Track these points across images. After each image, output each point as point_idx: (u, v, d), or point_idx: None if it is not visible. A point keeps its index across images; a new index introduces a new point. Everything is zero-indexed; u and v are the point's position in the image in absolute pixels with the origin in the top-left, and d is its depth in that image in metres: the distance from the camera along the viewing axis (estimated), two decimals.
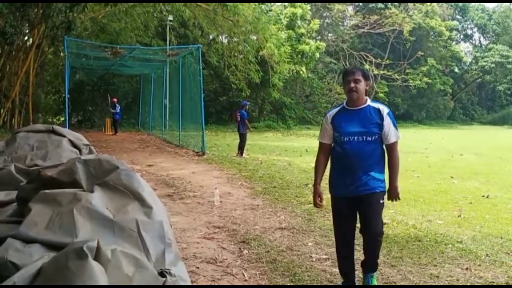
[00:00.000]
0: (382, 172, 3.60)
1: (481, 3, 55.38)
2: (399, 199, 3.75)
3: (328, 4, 40.31)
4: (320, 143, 3.80)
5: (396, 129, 3.60)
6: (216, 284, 3.91)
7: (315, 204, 3.81)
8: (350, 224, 3.75)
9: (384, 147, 3.65)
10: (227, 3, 17.94)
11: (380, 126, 3.52)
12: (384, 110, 3.57)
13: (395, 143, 3.60)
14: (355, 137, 3.51)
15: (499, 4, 55.15)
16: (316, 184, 3.78)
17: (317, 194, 3.75)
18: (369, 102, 3.62)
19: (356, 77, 3.53)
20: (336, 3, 40.78)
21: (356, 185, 3.54)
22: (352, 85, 3.52)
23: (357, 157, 3.52)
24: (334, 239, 3.90)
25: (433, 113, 48.78)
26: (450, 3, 50.17)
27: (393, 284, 3.94)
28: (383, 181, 3.60)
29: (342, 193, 3.64)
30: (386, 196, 3.69)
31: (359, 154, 3.51)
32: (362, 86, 3.55)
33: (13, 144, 3.15)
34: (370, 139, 3.51)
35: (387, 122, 3.54)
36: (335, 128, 3.62)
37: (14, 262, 1.41)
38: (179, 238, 5.03)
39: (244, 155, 13.71)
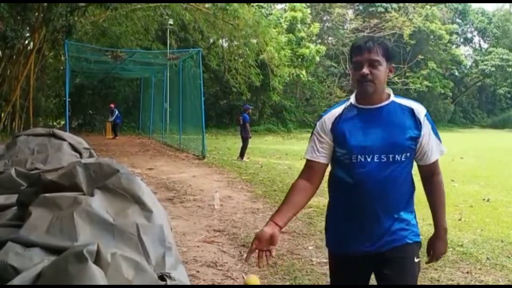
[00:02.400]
0: (414, 210, 2.29)
1: (481, 6, 55.56)
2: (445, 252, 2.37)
3: (328, 7, 40.40)
4: (308, 162, 2.25)
5: (439, 139, 2.22)
6: None
7: (247, 256, 2.10)
8: None
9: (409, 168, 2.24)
10: (227, 7, 17.97)
11: (415, 136, 2.11)
12: (421, 110, 2.15)
13: (437, 162, 2.23)
14: (376, 156, 2.09)
15: (499, 7, 55.32)
16: (271, 220, 2.09)
17: (257, 238, 2.02)
18: (393, 97, 2.17)
19: (373, 57, 2.05)
20: (337, 7, 40.86)
21: (376, 236, 2.15)
22: (365, 70, 2.05)
23: (379, 189, 2.10)
24: None
25: (433, 116, 47.86)
26: (450, 7, 50.27)
27: None
28: (416, 225, 2.28)
29: (351, 250, 2.20)
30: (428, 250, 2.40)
31: (383, 184, 2.10)
32: (382, 72, 2.08)
33: (14, 147, 3.15)
34: (399, 158, 2.10)
35: (427, 130, 2.14)
36: (339, 141, 2.16)
37: (14, 266, 1.41)
38: (180, 242, 5.03)
39: (244, 158, 13.71)
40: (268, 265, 2.21)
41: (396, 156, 2.10)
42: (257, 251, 2.03)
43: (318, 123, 2.26)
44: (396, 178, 2.13)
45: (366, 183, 2.11)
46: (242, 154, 13.85)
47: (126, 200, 1.81)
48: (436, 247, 2.30)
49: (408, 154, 2.13)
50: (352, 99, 2.22)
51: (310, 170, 2.23)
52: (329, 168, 2.27)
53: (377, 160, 2.10)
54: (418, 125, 2.12)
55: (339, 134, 2.16)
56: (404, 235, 2.18)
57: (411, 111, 2.14)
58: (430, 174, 2.24)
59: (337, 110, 2.22)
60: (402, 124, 2.12)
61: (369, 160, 2.10)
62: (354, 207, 2.17)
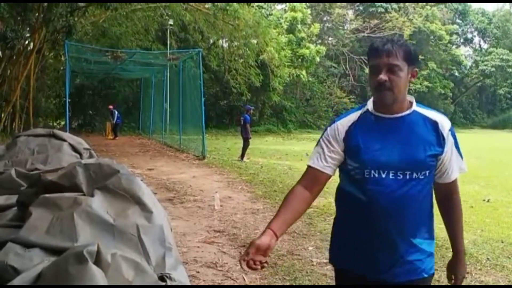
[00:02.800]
0: (433, 237, 2.01)
1: (481, 7, 55.58)
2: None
3: (328, 8, 40.42)
4: (311, 170, 2.00)
5: (461, 156, 2.00)
6: None
7: (241, 261, 1.86)
8: None
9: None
10: (227, 7, 17.98)
11: (437, 153, 1.90)
12: (446, 124, 1.94)
13: (456, 180, 2.02)
14: (391, 172, 1.87)
15: (499, 8, 55.34)
16: (269, 229, 1.85)
17: (255, 247, 1.79)
18: (415, 106, 1.94)
19: (392, 61, 1.82)
20: (337, 7, 40.89)
21: (388, 262, 1.92)
22: (383, 77, 1.82)
23: (394, 209, 1.87)
24: None
25: None
26: (450, 7, 50.30)
27: None
28: (433, 254, 2.01)
29: (360, 271, 1.98)
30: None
31: (399, 203, 1.87)
32: (402, 78, 1.84)
33: (14, 148, 3.15)
34: (417, 175, 1.88)
35: (450, 146, 1.93)
36: (351, 153, 1.94)
37: (14, 267, 1.41)
38: (180, 242, 5.02)
39: (244, 159, 13.72)
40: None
41: (414, 173, 1.88)
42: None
43: (329, 129, 2.02)
44: (414, 197, 1.89)
45: (379, 201, 1.87)
46: (242, 155, 13.88)
47: (126, 201, 1.81)
48: (458, 271, 2.08)
49: (428, 172, 1.90)
50: (370, 105, 1.97)
51: (313, 179, 1.99)
52: (337, 179, 2.11)
53: (393, 177, 1.87)
54: (441, 141, 1.90)
55: (352, 144, 1.93)
56: (422, 268, 1.95)
57: (435, 125, 1.91)
58: (449, 194, 2.02)
59: (352, 117, 1.99)
60: (423, 139, 1.89)
61: (383, 176, 1.87)
62: (365, 227, 1.94)
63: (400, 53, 1.83)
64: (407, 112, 1.91)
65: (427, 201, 1.97)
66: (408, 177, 1.87)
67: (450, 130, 1.94)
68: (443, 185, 1.99)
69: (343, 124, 1.98)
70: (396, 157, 1.87)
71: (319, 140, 2.04)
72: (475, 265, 4.55)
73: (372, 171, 1.88)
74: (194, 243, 5.16)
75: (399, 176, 1.86)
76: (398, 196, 1.87)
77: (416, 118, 1.91)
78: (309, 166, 2.01)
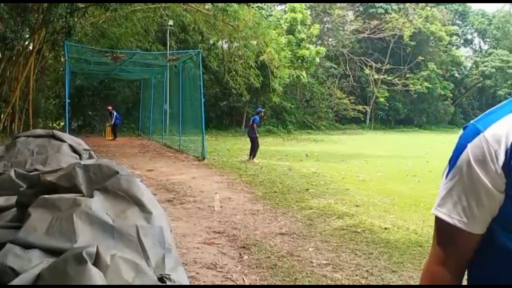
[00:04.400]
0: None
1: (481, 8, 55.64)
2: None
3: (328, 9, 40.48)
4: (443, 224, 1.04)
5: None
6: None
7: None
8: None
9: None
10: (227, 8, 17.99)
11: None
12: None
13: None
14: None
15: (499, 8, 55.39)
16: None
17: None
18: None
19: None
20: (337, 8, 40.95)
21: None
22: None
23: None
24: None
25: (433, 117, 48.86)
26: (450, 8, 50.36)
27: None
28: None
29: None
30: None
31: None
32: None
33: (13, 149, 3.14)
34: None
35: None
36: None
37: (13, 268, 1.41)
38: (179, 243, 5.02)
39: (248, 158, 13.85)
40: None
41: None
42: None
43: (470, 147, 1.03)
44: None
45: None
46: (253, 155, 14.02)
47: (126, 202, 1.80)
48: None
49: None
50: None
51: (453, 246, 1.07)
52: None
53: None
54: None
55: None
56: None
57: None
58: None
59: None
60: None
61: None
62: None
63: None
64: None
65: None
66: None
67: None
68: None
69: (500, 135, 0.99)
70: None
71: (450, 167, 1.08)
72: None
73: None
74: (193, 244, 5.16)
75: None
76: None
77: None
78: (439, 219, 1.07)
